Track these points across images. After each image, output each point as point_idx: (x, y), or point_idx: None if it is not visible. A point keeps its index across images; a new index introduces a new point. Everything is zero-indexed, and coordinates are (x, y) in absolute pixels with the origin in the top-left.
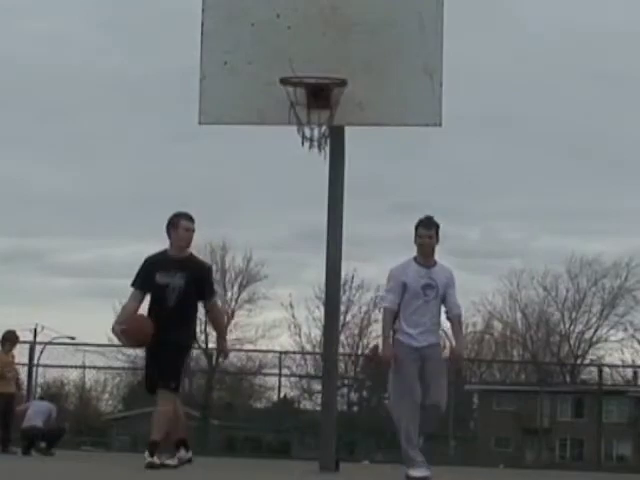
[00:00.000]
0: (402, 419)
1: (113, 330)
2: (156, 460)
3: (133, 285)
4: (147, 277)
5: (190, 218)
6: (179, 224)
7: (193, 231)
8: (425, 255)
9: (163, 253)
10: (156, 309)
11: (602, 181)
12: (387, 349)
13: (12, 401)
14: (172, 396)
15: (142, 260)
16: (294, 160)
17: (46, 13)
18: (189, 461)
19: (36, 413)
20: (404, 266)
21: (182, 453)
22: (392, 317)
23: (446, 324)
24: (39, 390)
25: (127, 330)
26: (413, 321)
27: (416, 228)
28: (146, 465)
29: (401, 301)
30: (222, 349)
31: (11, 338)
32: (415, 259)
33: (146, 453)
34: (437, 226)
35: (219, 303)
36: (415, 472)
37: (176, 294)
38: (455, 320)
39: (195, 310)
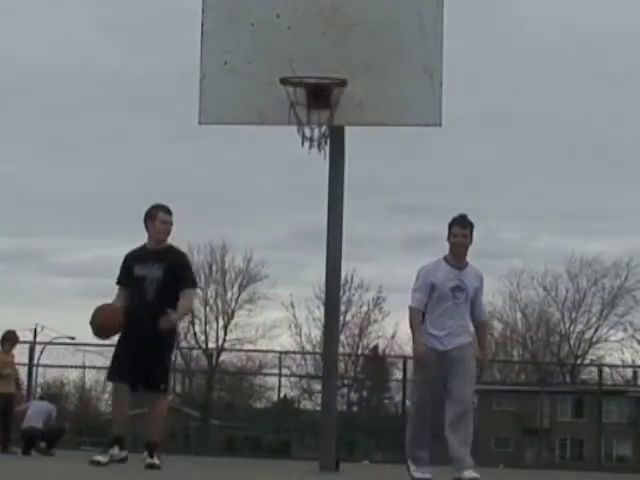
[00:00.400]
0: (413, 421)
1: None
2: (156, 461)
3: (118, 283)
4: (127, 272)
5: (168, 210)
6: (157, 216)
7: (171, 224)
8: (457, 255)
9: (142, 247)
10: (135, 303)
11: (602, 181)
12: (419, 345)
13: (12, 401)
14: (164, 396)
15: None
16: (294, 160)
17: (46, 13)
18: (123, 460)
19: (36, 413)
20: (434, 266)
21: (116, 450)
22: (419, 317)
23: (471, 328)
24: (39, 390)
25: (97, 318)
26: (440, 323)
27: (450, 226)
28: (146, 465)
29: (428, 302)
30: (168, 318)
31: (11, 338)
32: (445, 259)
33: (145, 454)
34: (472, 225)
35: (198, 295)
36: (417, 473)
37: (154, 286)
38: (481, 326)
39: (173, 301)
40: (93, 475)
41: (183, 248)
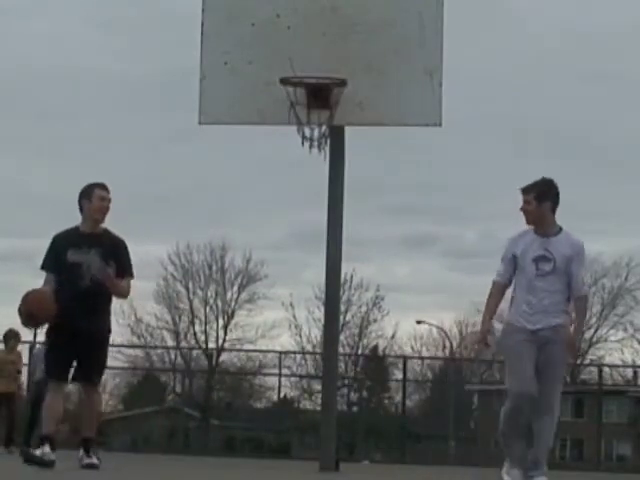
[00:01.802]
0: (506, 413)
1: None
2: (95, 460)
3: (43, 267)
4: (58, 256)
5: (105, 187)
6: (93, 193)
7: (109, 201)
8: (532, 223)
9: (74, 229)
10: (68, 291)
11: (602, 181)
12: (483, 325)
13: (13, 400)
14: (98, 389)
15: (51, 239)
16: (294, 160)
17: (45, 13)
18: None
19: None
20: (520, 235)
21: (47, 449)
22: (498, 292)
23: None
24: None
25: (26, 304)
26: (525, 299)
27: None
28: (84, 465)
29: (512, 276)
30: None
31: (12, 336)
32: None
33: (81, 452)
34: (539, 188)
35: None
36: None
37: (91, 273)
38: (577, 302)
39: (109, 293)
40: (93, 475)
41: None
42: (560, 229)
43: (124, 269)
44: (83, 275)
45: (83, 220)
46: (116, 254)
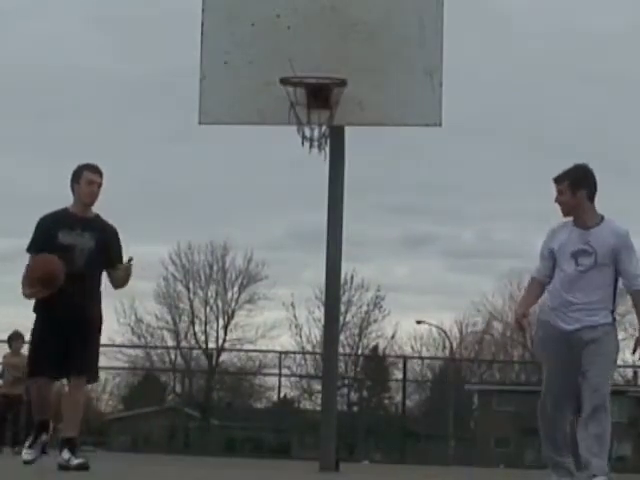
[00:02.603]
0: (540, 419)
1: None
2: (83, 460)
3: (29, 250)
4: (48, 237)
5: (94, 169)
6: (81, 176)
7: (98, 185)
8: (570, 215)
9: (63, 210)
10: None
11: (602, 182)
12: (520, 306)
13: (19, 403)
14: (83, 386)
15: (37, 220)
16: (294, 160)
17: (43, 13)
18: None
19: None
20: (558, 228)
21: (44, 437)
22: (535, 288)
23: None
24: None
25: (44, 266)
26: (563, 297)
27: None
28: (74, 467)
29: (552, 272)
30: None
31: (17, 337)
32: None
33: (65, 453)
34: (573, 176)
35: None
36: None
37: (85, 257)
38: (634, 296)
39: (101, 279)
40: (93, 475)
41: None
42: (602, 218)
43: (116, 258)
44: (76, 258)
45: (74, 202)
46: (110, 241)
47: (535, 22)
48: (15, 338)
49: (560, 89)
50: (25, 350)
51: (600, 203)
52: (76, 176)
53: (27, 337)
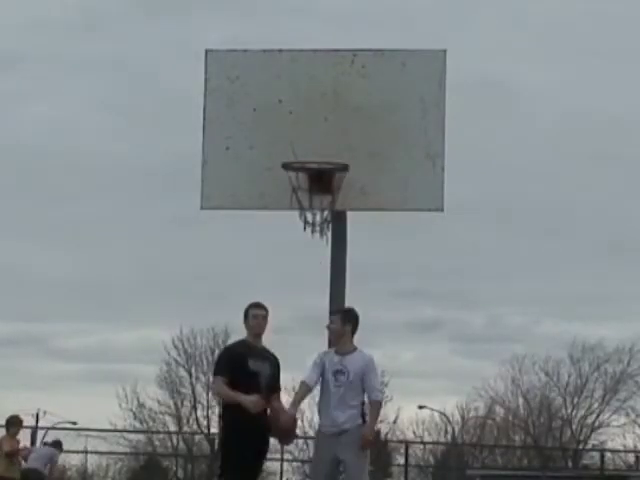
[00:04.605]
0: None
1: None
2: None
3: (220, 373)
4: (237, 365)
5: (258, 306)
6: (248, 314)
7: (263, 317)
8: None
9: (244, 341)
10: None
11: (602, 263)
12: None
13: None
14: None
15: (222, 348)
16: (297, 244)
17: (46, 96)
18: None
19: (38, 457)
20: None
21: None
22: None
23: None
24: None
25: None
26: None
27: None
28: None
29: None
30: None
31: (16, 422)
32: None
33: None
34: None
35: None
36: None
37: (266, 382)
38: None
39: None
40: None
41: None
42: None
43: (277, 385)
44: (261, 383)
45: (248, 335)
46: (277, 368)
47: (536, 104)
48: (13, 423)
49: (561, 170)
50: (21, 435)
51: (601, 286)
52: (245, 315)
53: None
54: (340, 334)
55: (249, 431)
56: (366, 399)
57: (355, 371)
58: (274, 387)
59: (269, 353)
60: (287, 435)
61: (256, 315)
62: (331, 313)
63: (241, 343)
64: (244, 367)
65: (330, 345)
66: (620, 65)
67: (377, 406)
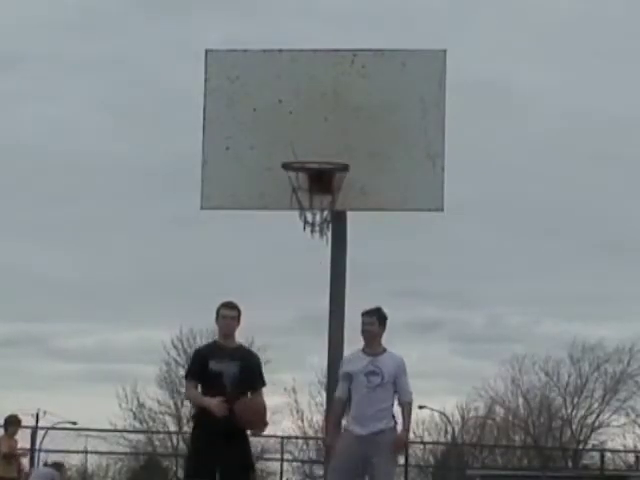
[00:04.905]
0: None
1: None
2: None
3: (187, 377)
4: (201, 366)
5: (228, 306)
6: (218, 313)
7: (232, 318)
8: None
9: (214, 342)
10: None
11: (603, 264)
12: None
13: None
14: None
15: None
16: (296, 244)
17: (47, 97)
18: None
19: (37, 477)
20: None
21: None
22: None
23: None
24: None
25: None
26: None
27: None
28: None
29: None
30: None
31: (14, 422)
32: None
33: None
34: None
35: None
36: None
37: (230, 381)
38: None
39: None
40: None
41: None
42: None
43: (256, 381)
44: (225, 384)
45: (218, 336)
46: (251, 367)
47: (535, 106)
48: (12, 423)
49: (560, 170)
50: (19, 434)
51: (601, 286)
52: (216, 314)
53: (23, 421)
54: (377, 335)
55: (214, 434)
56: (395, 400)
57: (389, 372)
58: (247, 386)
59: (241, 353)
60: (252, 421)
61: (225, 316)
62: (366, 314)
63: (209, 344)
64: (205, 368)
65: (365, 347)
66: (620, 65)
67: (410, 408)
